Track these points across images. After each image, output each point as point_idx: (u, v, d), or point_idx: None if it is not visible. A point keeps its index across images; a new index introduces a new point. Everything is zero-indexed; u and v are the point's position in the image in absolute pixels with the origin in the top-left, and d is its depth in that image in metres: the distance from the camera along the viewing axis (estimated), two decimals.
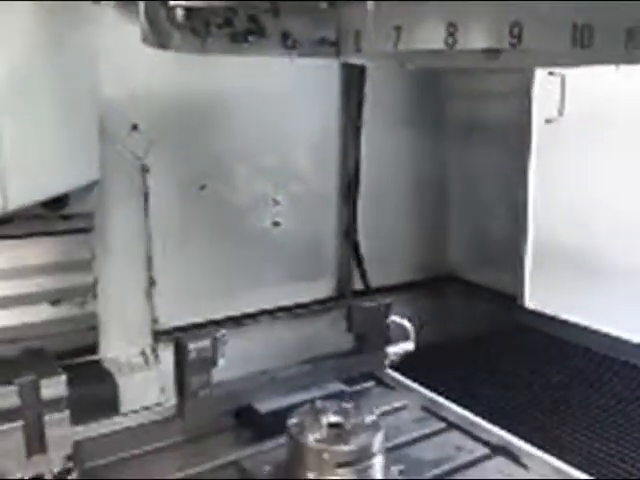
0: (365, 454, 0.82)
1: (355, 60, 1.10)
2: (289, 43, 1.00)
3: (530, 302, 1.76)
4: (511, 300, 1.78)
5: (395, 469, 0.88)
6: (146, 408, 1.06)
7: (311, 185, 1.70)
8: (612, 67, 1.41)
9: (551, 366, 1.44)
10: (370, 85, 1.71)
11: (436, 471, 0.92)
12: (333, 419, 0.87)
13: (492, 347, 1.56)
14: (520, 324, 1.70)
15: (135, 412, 1.06)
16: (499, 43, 0.56)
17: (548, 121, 1.59)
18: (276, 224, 1.66)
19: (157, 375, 1.45)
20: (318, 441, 0.83)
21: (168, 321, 1.52)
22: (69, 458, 0.74)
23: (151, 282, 1.48)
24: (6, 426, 0.69)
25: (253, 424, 1.01)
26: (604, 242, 1.72)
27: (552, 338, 1.61)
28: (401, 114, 1.80)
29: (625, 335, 1.52)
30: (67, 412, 0.72)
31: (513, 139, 1.70)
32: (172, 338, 1.50)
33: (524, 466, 0.96)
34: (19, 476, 0.70)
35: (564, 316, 1.65)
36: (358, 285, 1.83)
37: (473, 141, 1.82)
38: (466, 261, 1.95)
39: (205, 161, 1.53)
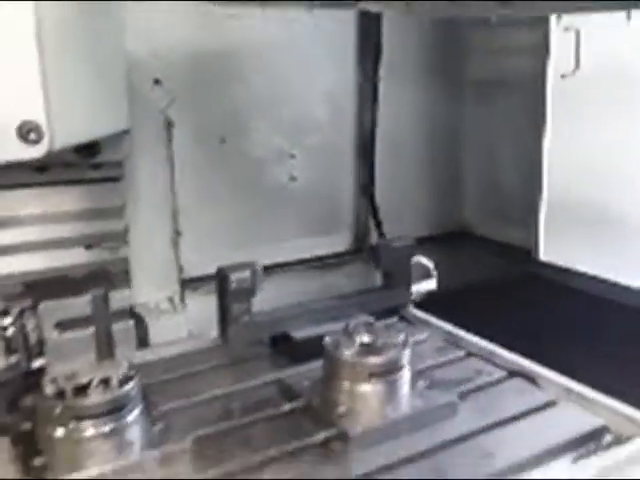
0: (395, 366, 0.95)
1: (372, 7, 1.18)
2: None
3: (544, 255, 1.88)
4: (525, 254, 1.89)
5: (422, 383, 1.00)
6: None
7: (327, 139, 1.80)
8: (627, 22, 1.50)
9: (565, 310, 1.55)
10: (387, 40, 1.79)
11: (458, 389, 1.04)
12: (365, 338, 0.99)
13: (507, 294, 1.68)
14: (534, 275, 1.82)
15: (176, 342, 1.18)
16: None
17: (563, 76, 1.68)
18: (293, 179, 1.76)
19: (185, 321, 1.57)
20: (352, 355, 0.95)
21: (193, 270, 1.64)
22: (131, 367, 0.86)
23: (177, 232, 1.59)
24: (80, 332, 0.80)
25: (288, 350, 1.13)
26: (619, 197, 1.82)
27: (566, 288, 1.73)
28: (418, 69, 1.88)
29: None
30: (132, 322, 0.84)
31: (529, 94, 1.79)
32: (196, 287, 1.64)
33: (540, 386, 1.08)
34: (87, 379, 0.82)
35: (578, 268, 1.76)
36: (374, 240, 1.94)
37: (489, 96, 1.91)
38: (480, 216, 2.05)
39: (225, 115, 1.63)
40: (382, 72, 1.80)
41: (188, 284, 1.63)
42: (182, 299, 1.62)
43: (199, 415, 0.97)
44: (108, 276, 0.88)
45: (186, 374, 1.09)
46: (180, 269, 1.62)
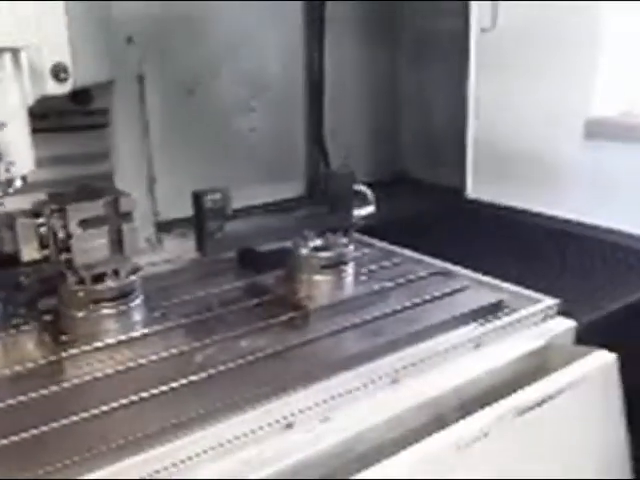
0: (341, 259, 1.22)
1: None
2: None
3: (473, 193, 2.19)
4: (456, 193, 2.20)
5: (364, 277, 1.28)
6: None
7: (282, 93, 2.04)
8: None
9: (486, 233, 1.86)
10: (331, 4, 2.04)
11: (392, 282, 1.32)
12: (317, 242, 1.26)
13: (437, 223, 1.97)
14: (462, 209, 2.13)
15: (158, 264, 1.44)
16: None
17: (484, 30, 1.96)
18: (253, 130, 2.01)
19: (161, 259, 1.80)
20: (308, 252, 1.22)
21: (167, 214, 1.86)
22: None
23: (152, 178, 1.81)
24: (96, 230, 1.04)
25: (253, 263, 1.39)
26: (537, 138, 2.13)
27: (488, 216, 2.04)
28: (359, 29, 2.15)
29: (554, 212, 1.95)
30: (137, 224, 1.09)
31: (455, 49, 2.08)
32: (170, 229, 1.87)
33: (455, 279, 1.37)
34: (103, 269, 1.06)
35: (501, 202, 2.08)
36: None
37: (422, 52, 2.19)
38: (417, 162, 2.34)
39: (192, 71, 1.85)
40: (328, 33, 2.05)
41: (163, 226, 1.86)
42: (159, 240, 1.85)
43: (187, 309, 1.22)
44: (115, 189, 1.12)
45: (170, 285, 1.35)
46: (156, 213, 1.85)
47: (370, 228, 1.74)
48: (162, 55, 1.76)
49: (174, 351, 1.08)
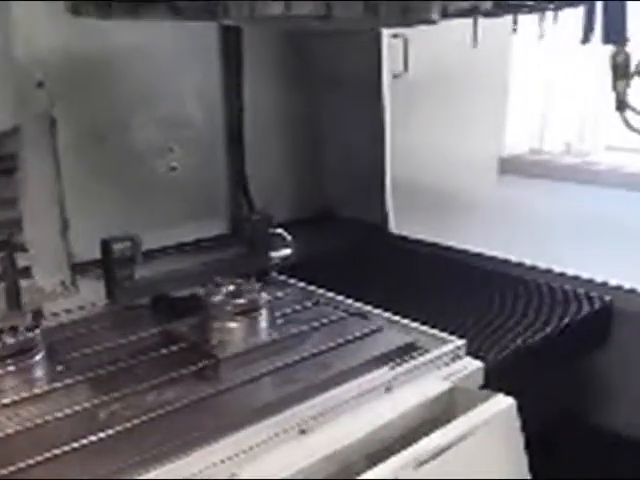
0: (254, 306, 1.21)
1: (229, 22, 1.45)
2: (176, 11, 1.32)
3: (395, 229, 2.23)
4: (379, 229, 2.24)
5: (279, 320, 1.27)
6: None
7: (201, 133, 2.02)
8: (450, 35, 1.80)
9: (405, 269, 1.89)
10: (248, 46, 2.05)
11: (309, 325, 1.31)
12: (230, 288, 1.24)
13: (359, 260, 2.00)
14: (385, 245, 2.16)
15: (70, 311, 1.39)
16: (318, 12, 0.93)
17: (396, 76, 2.02)
18: (173, 169, 1.98)
19: (78, 301, 1.74)
20: (220, 299, 1.20)
21: (82, 256, 1.81)
22: (36, 315, 1.06)
23: (65, 221, 1.76)
24: None
25: (167, 309, 1.36)
26: (453, 177, 2.20)
27: (407, 251, 2.09)
28: (276, 71, 2.16)
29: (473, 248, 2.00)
30: (36, 279, 1.04)
31: (371, 91, 2.13)
32: (86, 271, 1.81)
33: (370, 320, 1.38)
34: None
35: (420, 237, 2.13)
36: None
37: (339, 93, 2.22)
38: (339, 199, 2.36)
39: (106, 113, 1.81)
40: (245, 74, 2.06)
41: (78, 269, 1.80)
42: (73, 282, 1.79)
43: (93, 361, 1.18)
44: (11, 244, 1.07)
45: (79, 334, 1.30)
46: (70, 255, 1.79)
47: (291, 267, 1.74)
48: (74, 99, 1.72)
49: (77, 408, 1.03)
